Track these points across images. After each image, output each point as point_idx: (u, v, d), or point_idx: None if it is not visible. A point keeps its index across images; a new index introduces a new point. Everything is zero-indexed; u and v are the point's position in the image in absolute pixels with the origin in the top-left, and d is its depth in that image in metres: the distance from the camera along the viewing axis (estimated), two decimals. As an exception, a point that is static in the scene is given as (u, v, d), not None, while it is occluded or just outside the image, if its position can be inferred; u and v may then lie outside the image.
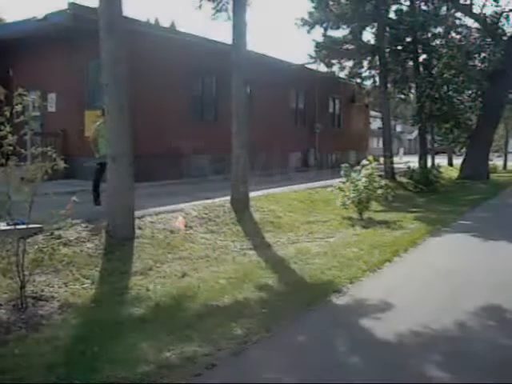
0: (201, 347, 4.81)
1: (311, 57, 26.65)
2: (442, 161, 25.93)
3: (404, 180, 20.65)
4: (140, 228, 9.04)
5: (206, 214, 10.69)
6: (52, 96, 17.94)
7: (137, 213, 9.20)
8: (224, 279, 7.02)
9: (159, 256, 8.02)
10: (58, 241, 7.36)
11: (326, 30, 25.48)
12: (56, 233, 7.13)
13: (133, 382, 4.17)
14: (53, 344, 4.79)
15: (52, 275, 6.70)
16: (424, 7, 24.15)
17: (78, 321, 5.46)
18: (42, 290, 6.18)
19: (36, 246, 6.83)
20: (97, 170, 10.73)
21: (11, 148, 5.93)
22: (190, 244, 8.86)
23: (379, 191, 12.72)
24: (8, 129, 5.83)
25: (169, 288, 6.61)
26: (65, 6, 15.53)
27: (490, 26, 23.55)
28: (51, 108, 17.87)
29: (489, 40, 23.80)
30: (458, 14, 25.22)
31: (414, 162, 23.81)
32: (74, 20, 15.22)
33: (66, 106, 17.60)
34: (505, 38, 23.68)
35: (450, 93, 23.80)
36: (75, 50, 16.83)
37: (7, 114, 5.85)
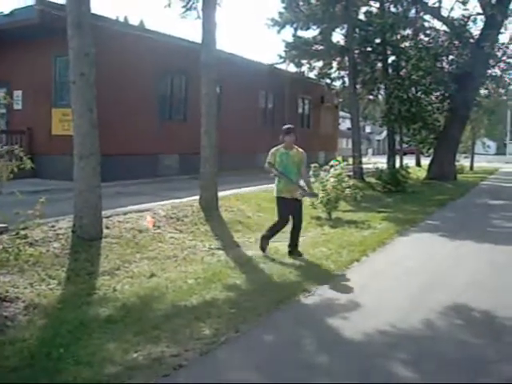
0: (168, 348, 4.78)
1: (281, 57, 26.70)
2: (410, 161, 26.16)
3: (373, 180, 20.79)
4: (108, 227, 8.95)
5: (174, 213, 10.63)
6: (18, 93, 17.72)
7: (104, 212, 9.12)
8: (192, 279, 6.99)
9: (127, 256, 7.95)
10: (23, 241, 7.25)
11: (295, 30, 25.53)
12: (22, 232, 7.01)
13: (99, 382, 4.12)
14: (17, 346, 4.71)
15: (17, 275, 6.59)
16: (393, 9, 24.36)
17: (44, 322, 5.38)
18: (7, 291, 6.06)
19: (1, 246, 6.74)
20: None
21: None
22: (158, 244, 8.80)
23: (347, 191, 12.78)
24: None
25: (136, 288, 6.55)
26: (32, 2, 15.34)
27: (457, 28, 23.85)
28: (17, 105, 17.65)
29: (456, 43, 24.10)
30: (427, 17, 25.49)
31: (382, 162, 23.99)
32: (42, 16, 15.04)
33: (33, 103, 17.41)
34: (472, 40, 24.01)
35: (419, 94, 24.06)
36: (42, 47, 16.65)
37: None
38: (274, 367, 4.58)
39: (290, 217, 8.74)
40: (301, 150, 8.92)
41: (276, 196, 8.78)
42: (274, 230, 8.82)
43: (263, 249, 8.73)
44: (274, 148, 8.81)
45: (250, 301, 6.17)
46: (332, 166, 12.87)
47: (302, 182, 8.96)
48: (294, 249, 8.71)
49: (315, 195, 9.94)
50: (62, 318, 5.39)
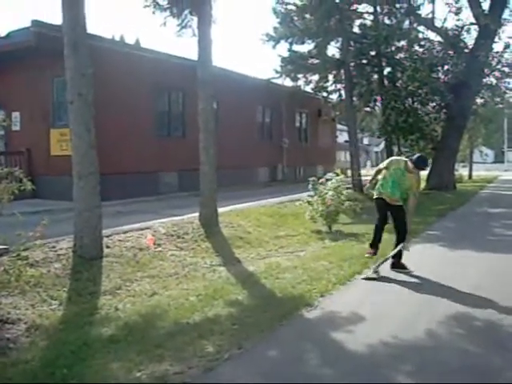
0: (172, 366, 4.77)
1: (277, 72, 26.76)
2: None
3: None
4: (108, 247, 8.95)
5: (174, 231, 10.63)
6: (16, 115, 17.78)
7: (105, 231, 9.12)
8: (194, 296, 6.98)
9: (128, 275, 7.94)
10: (24, 262, 7.25)
11: (291, 44, 25.60)
12: (23, 254, 7.01)
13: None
14: (20, 367, 4.70)
15: (19, 297, 6.58)
16: (387, 21, 24.47)
17: (46, 343, 5.36)
18: (9, 313, 6.05)
19: (2, 268, 6.73)
20: None
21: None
22: (159, 262, 8.80)
23: (347, 204, 12.79)
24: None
25: (138, 307, 6.54)
26: (28, 24, 15.43)
27: (451, 39, 23.98)
28: (15, 127, 17.69)
29: (451, 53, 24.21)
30: (421, 28, 25.60)
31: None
32: (38, 37, 15.14)
33: (31, 124, 17.47)
34: (466, 50, 24.13)
35: (415, 105, 24.12)
36: (39, 68, 16.72)
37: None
38: (278, 382, 4.56)
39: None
40: (419, 175, 8.71)
41: (376, 197, 8.88)
42: (376, 232, 8.89)
43: (371, 253, 8.87)
44: (398, 158, 8.90)
45: (252, 317, 6.15)
46: (327, 180, 12.87)
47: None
48: (397, 261, 8.71)
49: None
50: (65, 339, 5.37)
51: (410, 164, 8.37)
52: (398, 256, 8.67)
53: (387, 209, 8.76)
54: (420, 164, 8.41)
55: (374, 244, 8.90)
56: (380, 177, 8.85)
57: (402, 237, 8.54)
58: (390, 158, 8.96)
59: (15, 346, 5.25)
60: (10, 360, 4.89)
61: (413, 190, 8.58)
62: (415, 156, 8.60)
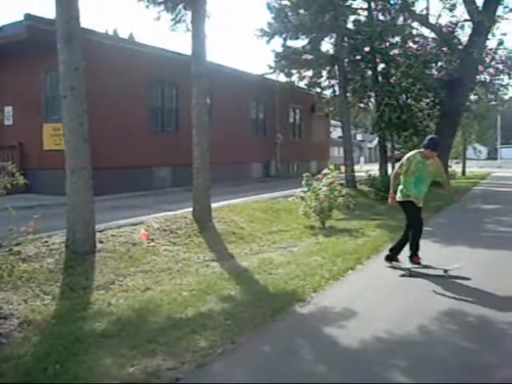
0: (165, 361, 4.76)
1: (271, 67, 26.73)
2: (402, 168, 26.25)
3: (365, 188, 20.83)
4: (101, 241, 8.93)
5: (168, 226, 10.62)
6: (9, 109, 17.71)
7: (98, 226, 9.10)
8: (187, 291, 6.98)
9: (121, 270, 7.93)
10: (17, 257, 7.23)
11: (285, 40, 25.56)
12: (15, 248, 6.98)
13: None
14: (13, 363, 4.68)
15: (11, 292, 6.56)
16: (381, 17, 24.46)
17: (39, 338, 5.35)
18: (1, 308, 6.03)
19: (-6, 263, 6.70)
20: None
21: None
22: (152, 257, 8.78)
23: (340, 199, 12.80)
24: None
25: (131, 302, 6.53)
26: (21, 17, 15.35)
27: (445, 35, 23.98)
28: (8, 121, 17.62)
29: (445, 49, 24.20)
30: (415, 24, 25.58)
31: (374, 170, 24.04)
32: (30, 31, 15.06)
33: (24, 118, 17.39)
34: (460, 47, 24.12)
35: (409, 101, 24.11)
36: (32, 62, 16.65)
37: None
38: (271, 378, 4.56)
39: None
40: (437, 158, 8.56)
41: (403, 200, 8.60)
42: (415, 239, 8.51)
43: (419, 262, 8.45)
44: (410, 154, 8.56)
45: (245, 312, 6.15)
46: (324, 175, 12.88)
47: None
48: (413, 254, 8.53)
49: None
50: (58, 334, 5.36)
51: (423, 151, 8.33)
52: (399, 249, 8.70)
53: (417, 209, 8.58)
54: (432, 145, 8.29)
55: (416, 251, 8.55)
56: (401, 179, 8.63)
57: (411, 233, 8.52)
58: (405, 158, 8.59)
59: (7, 341, 5.24)
60: (2, 355, 4.87)
61: (442, 175, 8.63)
62: (426, 140, 8.52)
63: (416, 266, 8.36)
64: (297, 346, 5.27)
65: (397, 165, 9.01)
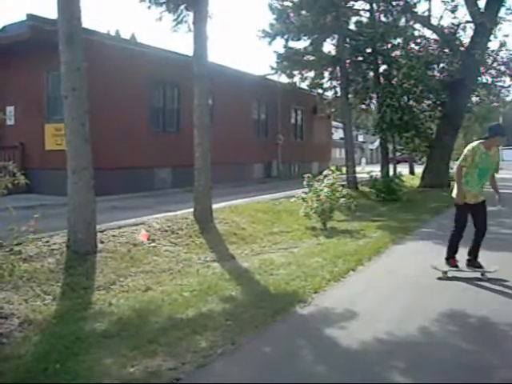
0: (165, 361, 4.76)
1: (272, 68, 26.72)
2: (403, 170, 26.22)
3: (366, 189, 20.81)
4: (102, 242, 8.93)
5: (169, 226, 10.62)
6: (11, 109, 17.72)
7: (99, 226, 9.10)
8: (188, 292, 6.97)
9: (122, 270, 7.93)
10: (18, 256, 7.23)
11: (286, 41, 25.54)
12: (16, 248, 6.99)
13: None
14: (13, 363, 4.68)
15: (12, 292, 6.56)
16: (383, 19, 24.45)
17: (40, 338, 5.34)
18: (2, 308, 6.03)
19: (-5, 263, 6.71)
20: None
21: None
22: (153, 257, 8.78)
23: (342, 201, 12.79)
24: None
25: (132, 302, 6.53)
26: (23, 18, 15.38)
27: (447, 37, 23.98)
28: (10, 121, 17.64)
29: (447, 51, 24.22)
30: (417, 26, 25.59)
31: (376, 171, 24.01)
32: (33, 31, 15.09)
33: (26, 118, 17.41)
34: (462, 48, 24.13)
35: (410, 102, 24.11)
36: (34, 62, 16.67)
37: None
38: (271, 378, 4.55)
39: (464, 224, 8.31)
40: (498, 147, 8.09)
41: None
42: (453, 243, 8.25)
43: (456, 265, 8.16)
44: (473, 144, 7.89)
45: (246, 312, 6.15)
46: (326, 176, 12.88)
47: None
48: (474, 259, 8.18)
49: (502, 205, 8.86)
50: (58, 334, 5.36)
51: (486, 141, 7.80)
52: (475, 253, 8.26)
53: (469, 212, 8.31)
54: (498, 131, 7.82)
55: (454, 254, 8.29)
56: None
57: (482, 234, 8.26)
58: (469, 148, 7.89)
59: (8, 341, 5.23)
60: (2, 355, 4.87)
61: (498, 166, 8.25)
62: (489, 127, 8.01)
63: (453, 268, 8.15)
64: (297, 347, 5.27)
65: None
